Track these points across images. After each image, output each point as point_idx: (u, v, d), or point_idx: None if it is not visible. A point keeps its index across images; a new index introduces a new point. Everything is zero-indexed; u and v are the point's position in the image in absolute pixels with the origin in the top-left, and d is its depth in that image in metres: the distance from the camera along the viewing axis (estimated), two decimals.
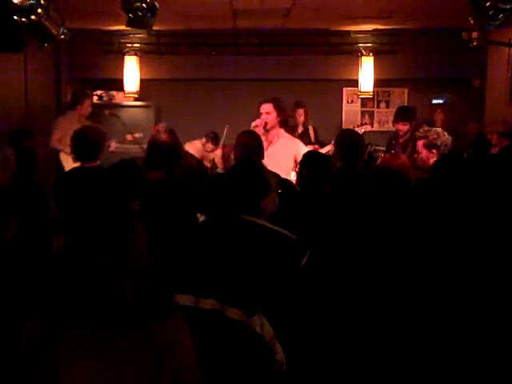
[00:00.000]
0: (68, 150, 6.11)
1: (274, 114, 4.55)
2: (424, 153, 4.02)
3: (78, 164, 3.89)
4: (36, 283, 2.52)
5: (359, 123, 8.01)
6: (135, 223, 1.73)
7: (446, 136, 4.02)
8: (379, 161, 6.00)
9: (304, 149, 4.53)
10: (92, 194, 3.20)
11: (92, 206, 2.54)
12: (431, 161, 3.89)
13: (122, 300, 1.60)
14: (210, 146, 6.90)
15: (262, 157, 3.73)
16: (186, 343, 1.70)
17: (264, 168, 2.66)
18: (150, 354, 1.61)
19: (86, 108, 6.55)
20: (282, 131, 4.63)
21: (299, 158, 3.66)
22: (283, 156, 4.42)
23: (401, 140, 5.73)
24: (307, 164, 3.43)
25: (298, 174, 3.58)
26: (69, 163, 5.91)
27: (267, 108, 4.57)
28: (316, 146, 6.54)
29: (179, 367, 1.65)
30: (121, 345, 1.61)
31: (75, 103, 6.64)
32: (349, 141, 3.88)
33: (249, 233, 2.39)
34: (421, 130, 4.19)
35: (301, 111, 6.75)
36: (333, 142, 5.84)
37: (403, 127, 5.71)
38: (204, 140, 7.08)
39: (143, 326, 1.63)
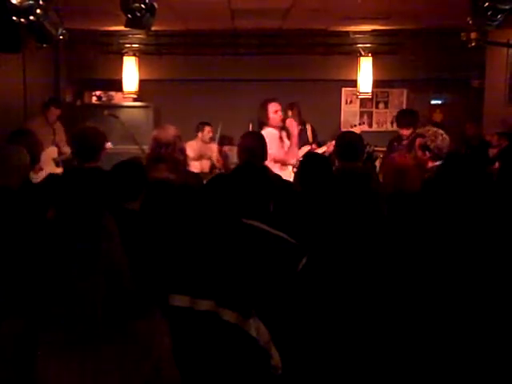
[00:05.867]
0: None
1: None
2: (419, 153, 4.00)
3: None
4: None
5: (356, 123, 8.00)
6: (109, 226, 1.74)
7: (444, 139, 3.94)
8: (378, 161, 6.03)
9: None
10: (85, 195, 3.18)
11: (69, 208, 2.53)
12: (427, 162, 3.89)
13: (94, 301, 1.61)
14: (206, 132, 6.91)
15: (265, 158, 3.75)
16: (163, 343, 1.72)
17: (267, 169, 2.66)
18: (128, 354, 1.63)
19: (51, 116, 6.46)
20: None
21: None
22: None
23: (405, 142, 5.75)
24: (306, 165, 3.42)
25: (296, 175, 3.57)
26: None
27: None
28: (314, 146, 6.52)
29: (157, 366, 1.68)
30: (98, 346, 1.62)
31: (43, 108, 6.53)
32: (348, 142, 3.89)
33: (247, 235, 2.39)
34: (422, 130, 4.16)
35: (294, 113, 6.67)
36: (329, 142, 5.88)
37: (407, 132, 5.79)
38: (200, 134, 7.08)
39: (121, 327, 1.65)
